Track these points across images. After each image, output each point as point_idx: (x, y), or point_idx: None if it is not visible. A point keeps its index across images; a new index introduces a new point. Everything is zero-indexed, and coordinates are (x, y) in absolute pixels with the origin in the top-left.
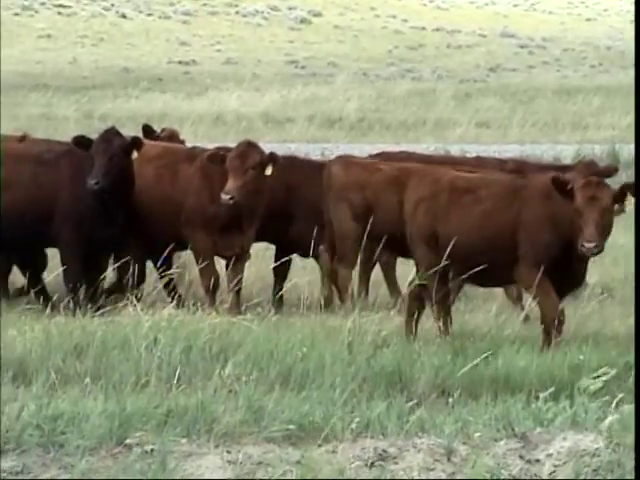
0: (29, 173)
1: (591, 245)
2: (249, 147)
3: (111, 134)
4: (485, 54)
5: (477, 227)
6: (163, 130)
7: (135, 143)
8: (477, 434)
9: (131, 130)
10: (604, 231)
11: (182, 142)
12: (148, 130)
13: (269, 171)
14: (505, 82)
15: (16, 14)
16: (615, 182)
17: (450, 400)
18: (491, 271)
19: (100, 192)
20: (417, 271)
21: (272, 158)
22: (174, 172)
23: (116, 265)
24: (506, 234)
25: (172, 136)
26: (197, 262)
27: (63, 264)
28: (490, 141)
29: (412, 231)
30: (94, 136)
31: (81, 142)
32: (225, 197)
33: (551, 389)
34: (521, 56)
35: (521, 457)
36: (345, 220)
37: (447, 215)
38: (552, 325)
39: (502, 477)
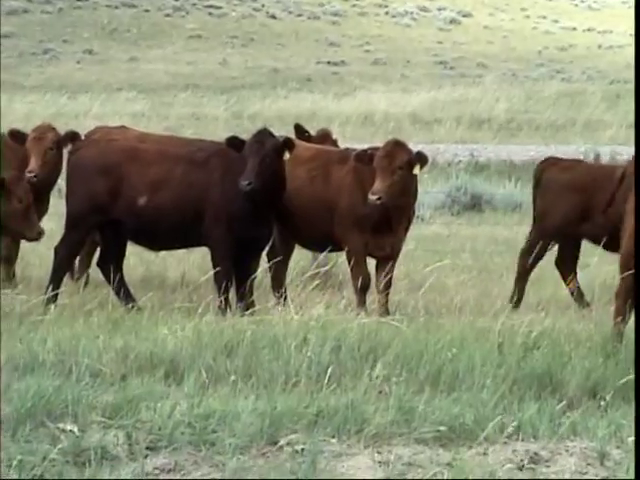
0: (181, 173)
1: None
2: (397, 146)
3: (264, 135)
4: None
5: None
6: (319, 130)
7: (287, 144)
8: (630, 438)
9: (279, 130)
10: None
11: (335, 142)
12: (300, 129)
13: (417, 170)
14: None
15: (167, 15)
16: None
17: (602, 403)
18: None
19: (252, 193)
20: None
21: (420, 157)
22: (327, 174)
23: (268, 265)
24: None
25: (325, 136)
26: (349, 262)
27: (214, 264)
28: None
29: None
30: (244, 136)
31: (234, 143)
32: (372, 197)
33: None
34: None
35: None
36: None
37: None
38: None
39: None
